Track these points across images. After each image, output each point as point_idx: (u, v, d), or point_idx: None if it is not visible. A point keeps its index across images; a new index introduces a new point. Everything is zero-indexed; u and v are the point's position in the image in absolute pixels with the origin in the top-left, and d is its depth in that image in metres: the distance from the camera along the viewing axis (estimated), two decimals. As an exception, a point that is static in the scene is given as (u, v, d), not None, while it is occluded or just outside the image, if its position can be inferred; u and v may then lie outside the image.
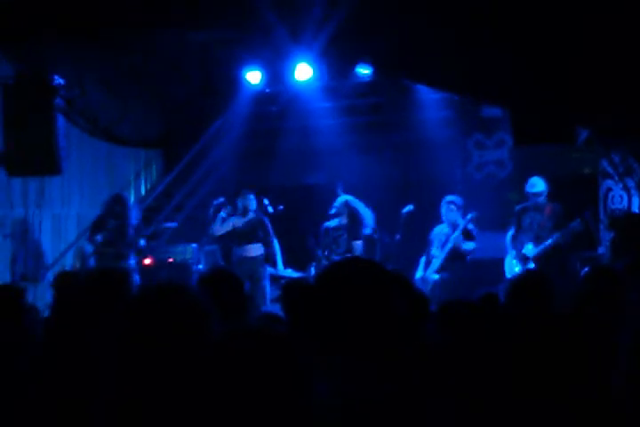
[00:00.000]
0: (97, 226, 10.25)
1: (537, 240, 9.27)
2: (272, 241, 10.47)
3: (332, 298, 2.00)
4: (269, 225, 10.45)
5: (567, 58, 7.48)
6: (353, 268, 2.08)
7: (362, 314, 1.98)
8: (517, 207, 9.59)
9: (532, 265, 9.22)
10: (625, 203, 9.59)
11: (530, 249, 9.28)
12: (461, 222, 9.62)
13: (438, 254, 9.66)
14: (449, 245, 9.60)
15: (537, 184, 9.35)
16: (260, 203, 10.76)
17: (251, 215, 10.44)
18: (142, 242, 10.17)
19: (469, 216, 9.63)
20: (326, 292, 2.03)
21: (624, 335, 2.50)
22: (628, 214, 9.36)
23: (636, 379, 2.40)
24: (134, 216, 10.26)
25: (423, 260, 9.88)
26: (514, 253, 9.42)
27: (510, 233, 9.54)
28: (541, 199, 9.30)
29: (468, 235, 9.62)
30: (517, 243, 9.43)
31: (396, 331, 1.99)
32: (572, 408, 2.44)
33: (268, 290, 10.31)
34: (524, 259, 9.31)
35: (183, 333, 2.25)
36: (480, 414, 2.37)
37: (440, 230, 9.79)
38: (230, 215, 10.44)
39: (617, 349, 2.53)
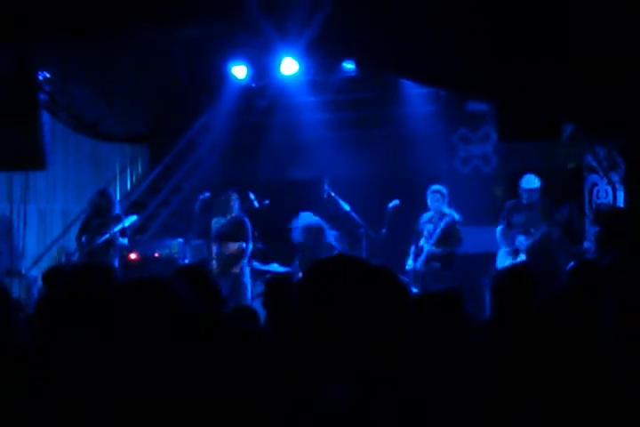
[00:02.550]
0: (83, 227, 10.20)
1: (528, 234, 9.36)
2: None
3: (319, 296, 2.00)
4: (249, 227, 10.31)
5: (551, 54, 7.50)
6: (339, 265, 2.08)
7: (349, 311, 1.98)
8: (508, 203, 9.66)
9: (522, 257, 9.30)
10: (610, 197, 9.63)
11: (522, 242, 9.37)
12: (447, 211, 9.71)
13: (428, 247, 9.71)
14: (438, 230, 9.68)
15: (533, 181, 9.49)
16: (245, 198, 10.73)
17: (233, 215, 10.33)
18: (125, 240, 10.06)
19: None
20: (313, 290, 2.03)
21: (604, 322, 2.51)
22: (613, 209, 9.40)
23: (620, 366, 2.42)
24: (119, 212, 10.19)
25: (412, 250, 9.93)
26: (507, 248, 9.51)
27: (500, 228, 9.61)
28: (536, 196, 9.40)
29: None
30: (508, 238, 9.52)
31: (386, 327, 2.00)
32: (556, 402, 2.46)
33: (249, 287, 10.24)
34: (515, 252, 9.40)
35: (164, 325, 2.26)
36: (476, 409, 2.38)
37: (428, 219, 9.84)
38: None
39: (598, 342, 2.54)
